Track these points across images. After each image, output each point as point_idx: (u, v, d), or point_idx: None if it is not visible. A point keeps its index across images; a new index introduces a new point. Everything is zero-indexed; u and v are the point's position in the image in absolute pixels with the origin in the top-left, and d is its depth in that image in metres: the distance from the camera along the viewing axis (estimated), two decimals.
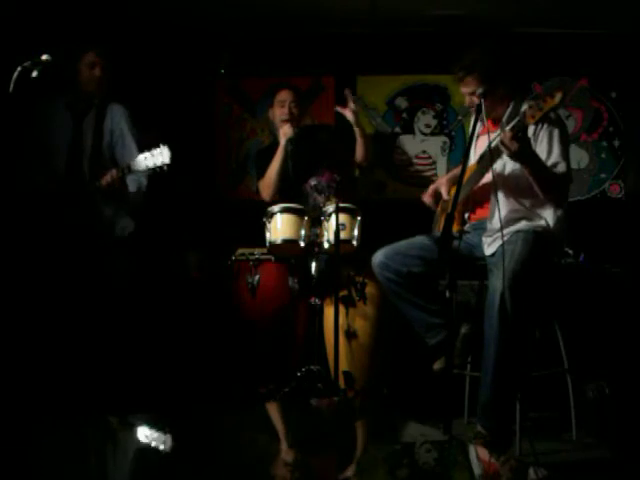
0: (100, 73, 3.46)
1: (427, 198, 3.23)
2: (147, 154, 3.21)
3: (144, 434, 2.07)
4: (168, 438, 1.98)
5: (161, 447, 1.90)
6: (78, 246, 3.28)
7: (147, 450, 1.86)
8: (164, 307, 3.84)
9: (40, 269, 3.25)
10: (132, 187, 3.44)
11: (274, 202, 3.62)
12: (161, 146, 3.19)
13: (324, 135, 3.91)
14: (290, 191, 3.72)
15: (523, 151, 2.69)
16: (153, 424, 2.15)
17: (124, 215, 3.50)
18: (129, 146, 3.51)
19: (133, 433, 2.09)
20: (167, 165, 3.18)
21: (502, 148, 2.72)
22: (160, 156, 3.18)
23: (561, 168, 2.84)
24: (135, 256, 3.55)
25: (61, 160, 3.43)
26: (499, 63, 2.96)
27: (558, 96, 2.63)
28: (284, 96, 3.84)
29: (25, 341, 3.19)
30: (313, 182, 3.55)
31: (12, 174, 3.40)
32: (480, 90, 2.89)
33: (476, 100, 2.88)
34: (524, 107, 2.81)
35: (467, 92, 2.96)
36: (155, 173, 3.22)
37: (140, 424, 2.15)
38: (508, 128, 2.70)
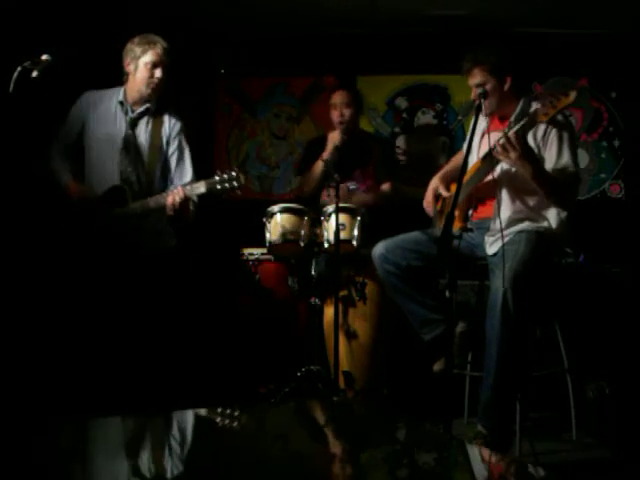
0: (161, 74, 3.25)
1: (427, 205, 3.20)
2: (222, 177, 3.10)
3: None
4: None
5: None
6: (118, 255, 3.18)
7: (147, 450, 1.87)
8: (164, 307, 3.83)
9: (74, 274, 3.19)
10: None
11: (311, 197, 3.73)
12: (236, 170, 3.11)
13: (378, 149, 3.90)
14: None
15: (521, 158, 2.69)
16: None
17: (169, 227, 3.39)
18: (186, 161, 3.38)
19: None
20: (239, 188, 3.10)
21: (499, 157, 2.72)
22: (235, 180, 3.08)
23: (570, 171, 2.84)
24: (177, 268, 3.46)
25: (110, 160, 3.27)
26: (508, 59, 2.96)
27: (573, 94, 2.62)
28: (336, 98, 3.82)
29: (39, 341, 3.20)
30: (352, 186, 3.59)
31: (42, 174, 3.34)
32: (480, 90, 2.89)
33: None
34: (534, 106, 2.81)
35: (473, 84, 2.94)
36: (219, 194, 3.13)
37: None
38: (500, 138, 2.70)
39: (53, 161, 3.36)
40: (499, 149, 2.70)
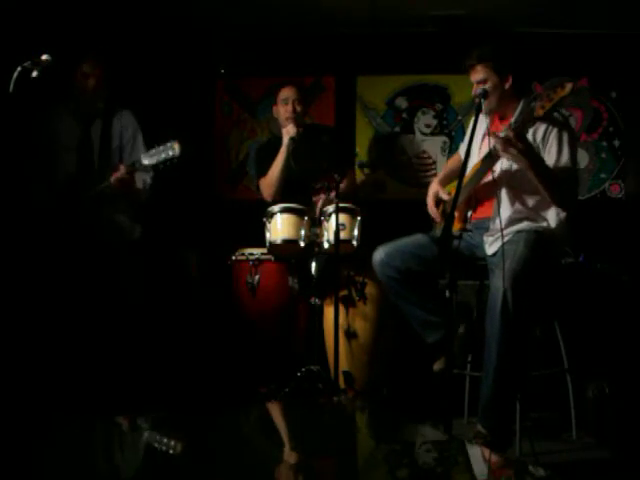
0: (94, 84, 3.46)
1: (431, 209, 3.17)
2: (157, 148, 3.23)
3: (144, 434, 2.07)
4: (168, 437, 1.98)
5: (161, 447, 1.90)
6: (88, 252, 3.29)
7: (147, 450, 1.87)
8: (164, 307, 3.84)
9: (51, 273, 3.27)
10: (138, 184, 3.45)
11: (274, 202, 3.61)
12: (171, 140, 3.20)
13: (327, 137, 3.89)
14: (292, 190, 3.71)
15: (522, 154, 2.69)
16: (152, 424, 2.15)
17: (133, 219, 3.53)
18: (139, 150, 3.52)
19: (133, 432, 2.09)
20: (177, 158, 3.19)
21: (500, 154, 2.72)
22: (170, 150, 3.19)
23: (569, 172, 2.84)
24: (144, 259, 3.55)
25: (68, 165, 3.44)
26: (511, 58, 2.97)
27: (568, 86, 2.63)
28: (287, 93, 3.78)
29: (34, 341, 3.21)
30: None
31: (13, 180, 3.42)
32: (480, 90, 2.89)
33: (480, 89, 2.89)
34: (532, 104, 2.81)
35: (475, 80, 2.94)
36: (165, 167, 3.23)
37: (139, 424, 2.15)
38: (501, 134, 2.70)
39: (29, 174, 3.47)
40: (500, 145, 2.70)
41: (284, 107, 3.78)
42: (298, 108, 3.77)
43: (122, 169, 3.30)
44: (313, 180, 3.60)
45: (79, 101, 3.52)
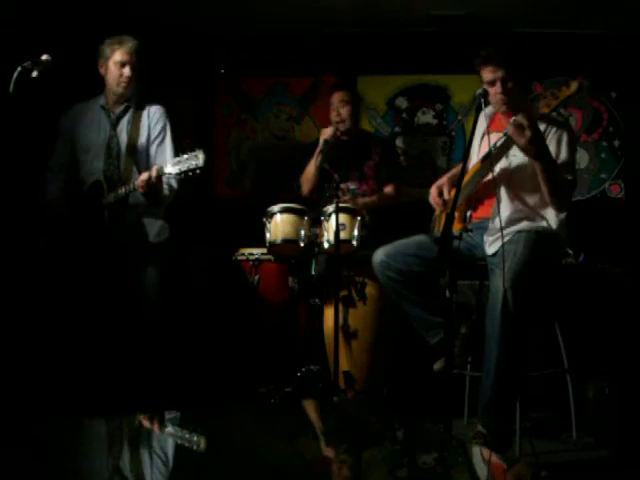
0: (130, 73, 3.34)
1: (433, 199, 3.17)
2: (181, 157, 3.14)
3: (144, 433, 2.07)
4: (169, 438, 1.98)
5: (162, 447, 1.90)
6: (109, 253, 3.25)
7: (149, 450, 1.87)
8: (164, 307, 3.83)
9: (69, 274, 3.26)
10: (165, 190, 3.35)
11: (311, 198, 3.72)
12: (196, 149, 3.11)
13: (378, 148, 3.94)
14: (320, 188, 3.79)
15: (533, 141, 2.65)
16: (151, 424, 2.15)
17: (159, 221, 3.44)
18: (166, 145, 3.42)
19: (135, 432, 2.09)
20: (200, 168, 3.10)
21: (513, 136, 2.68)
22: (194, 159, 3.10)
23: (567, 172, 2.83)
24: (164, 261, 3.48)
25: (92, 167, 3.36)
26: (522, 57, 2.96)
27: (574, 85, 2.61)
28: (334, 97, 3.91)
29: (41, 342, 3.22)
30: (351, 186, 3.60)
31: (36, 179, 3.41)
32: (480, 90, 2.89)
33: (490, 89, 2.87)
34: (535, 103, 2.80)
35: (486, 80, 2.89)
36: (187, 176, 3.14)
37: (140, 424, 2.15)
38: (520, 117, 2.66)
39: (49, 174, 3.46)
40: (513, 128, 2.67)
41: (332, 111, 3.90)
42: (343, 112, 3.86)
43: (153, 171, 3.16)
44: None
45: (113, 96, 3.40)
